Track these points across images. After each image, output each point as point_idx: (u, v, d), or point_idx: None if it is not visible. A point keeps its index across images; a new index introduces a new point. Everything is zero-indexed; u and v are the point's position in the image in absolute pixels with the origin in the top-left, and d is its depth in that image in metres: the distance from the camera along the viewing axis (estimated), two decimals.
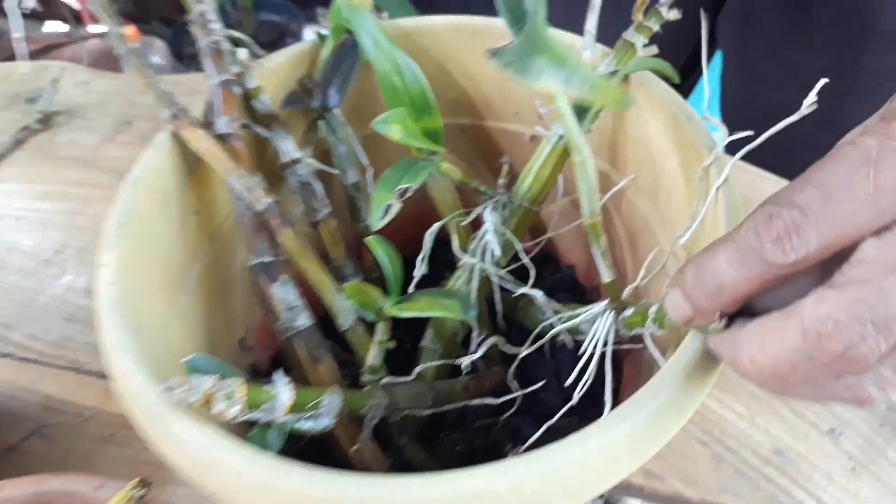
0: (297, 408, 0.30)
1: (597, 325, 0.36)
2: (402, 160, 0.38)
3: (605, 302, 0.37)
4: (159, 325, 0.36)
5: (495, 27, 0.45)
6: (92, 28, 1.39)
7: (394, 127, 0.32)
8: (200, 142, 0.38)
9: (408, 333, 0.48)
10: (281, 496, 0.26)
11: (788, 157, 0.56)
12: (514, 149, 0.49)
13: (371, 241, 0.32)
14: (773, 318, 0.24)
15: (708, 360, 0.29)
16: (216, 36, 0.40)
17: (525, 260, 0.42)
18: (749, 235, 0.24)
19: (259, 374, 0.48)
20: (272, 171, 0.46)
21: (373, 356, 0.34)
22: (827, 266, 0.24)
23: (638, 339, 0.47)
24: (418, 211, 0.45)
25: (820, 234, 0.23)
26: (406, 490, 0.26)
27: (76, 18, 1.36)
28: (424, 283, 0.42)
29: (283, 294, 0.38)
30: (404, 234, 0.49)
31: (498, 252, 0.42)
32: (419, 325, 0.45)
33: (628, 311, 0.35)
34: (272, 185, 0.46)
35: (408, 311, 0.31)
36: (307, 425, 0.31)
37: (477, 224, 0.44)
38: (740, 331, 0.26)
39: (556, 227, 0.49)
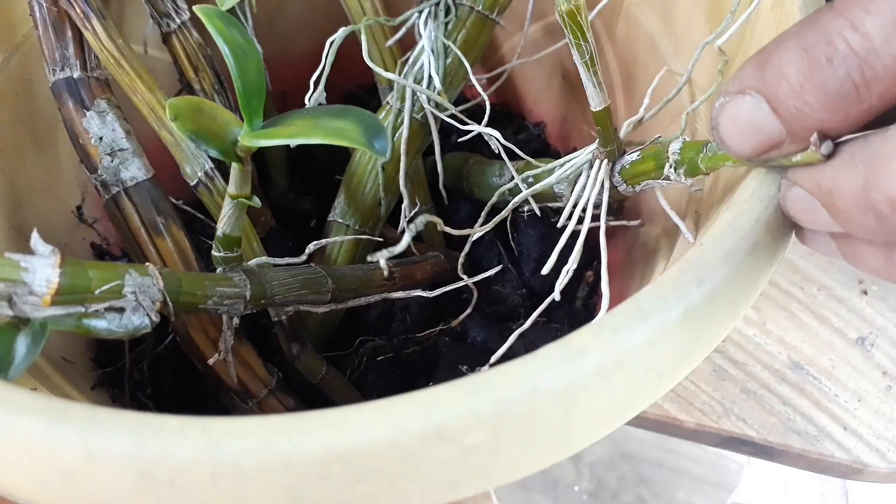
0: (70, 294, 0.17)
1: (583, 182, 0.24)
2: None
3: (593, 146, 0.24)
4: None
5: None
6: None
7: None
8: None
9: (318, 206, 0.36)
10: (20, 451, 0.14)
11: None
12: None
13: (204, 10, 0.19)
14: None
15: (779, 220, 0.17)
16: None
17: (483, 94, 0.28)
18: None
19: (108, 258, 0.35)
20: None
21: (225, 219, 0.21)
22: None
23: (622, 214, 0.35)
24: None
25: None
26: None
27: None
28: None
29: (103, 130, 0.25)
30: (308, 81, 0.35)
31: (438, 81, 0.28)
32: (331, 192, 0.32)
33: (631, 156, 0.23)
34: None
35: (271, 139, 0.18)
36: (101, 325, 0.18)
37: (408, 44, 0.31)
38: (875, 139, 0.14)
39: (523, 63, 0.36)
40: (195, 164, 0.25)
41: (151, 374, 0.30)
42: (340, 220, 0.31)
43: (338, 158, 0.32)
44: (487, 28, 0.29)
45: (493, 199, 0.28)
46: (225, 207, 0.21)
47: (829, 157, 0.14)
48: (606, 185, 0.23)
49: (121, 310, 0.19)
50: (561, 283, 0.23)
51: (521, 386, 0.14)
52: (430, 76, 0.28)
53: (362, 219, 0.31)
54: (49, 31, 0.25)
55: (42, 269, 0.17)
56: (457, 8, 0.28)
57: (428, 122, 0.30)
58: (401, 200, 0.31)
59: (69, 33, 0.25)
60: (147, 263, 0.20)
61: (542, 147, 0.38)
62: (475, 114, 0.32)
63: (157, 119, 0.24)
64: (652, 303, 0.15)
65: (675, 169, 0.20)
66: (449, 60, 0.28)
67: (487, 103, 0.27)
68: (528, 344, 0.32)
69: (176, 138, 0.24)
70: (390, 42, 0.30)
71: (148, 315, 0.19)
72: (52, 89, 0.25)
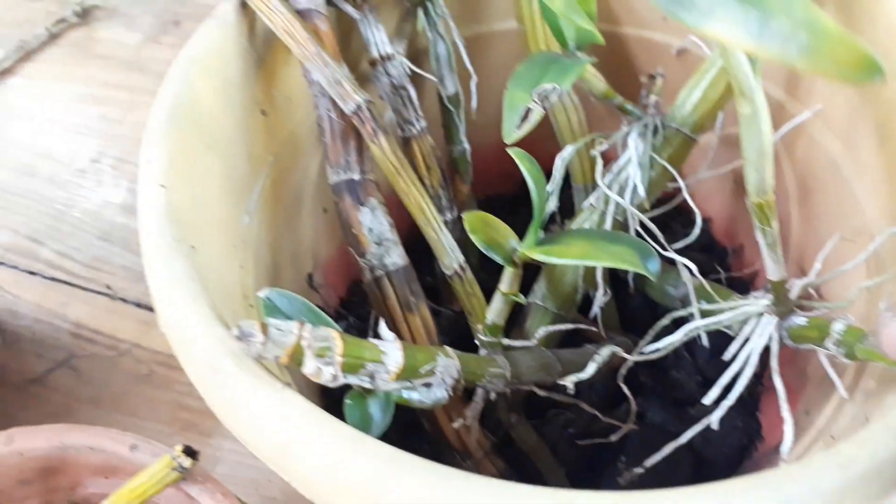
0: (406, 373, 0.22)
1: (750, 329, 0.27)
2: (537, 55, 0.29)
3: (766, 300, 0.27)
4: (216, 250, 0.27)
5: None
6: None
7: None
8: (275, 15, 0.30)
9: (489, 280, 0.40)
10: None
11: None
12: (656, 65, 0.40)
13: (516, 152, 0.23)
14: None
15: None
16: None
17: (690, 202, 0.32)
18: None
19: None
20: (355, 71, 0.37)
21: (495, 312, 0.26)
22: None
23: None
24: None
25: None
26: None
27: None
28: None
29: (373, 223, 0.30)
30: (494, 171, 0.40)
31: (642, 190, 0.32)
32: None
33: (798, 319, 0.26)
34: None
35: (558, 257, 0.23)
36: (415, 396, 0.23)
37: (608, 157, 0.35)
38: None
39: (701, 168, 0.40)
40: (451, 259, 0.30)
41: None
42: (540, 303, 0.35)
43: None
44: (689, 146, 0.33)
45: (667, 320, 0.32)
46: (495, 302, 0.26)
47: None
48: (775, 337, 0.26)
49: (429, 384, 0.23)
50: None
51: (801, 486, 0.18)
52: (634, 185, 0.32)
53: (560, 303, 0.35)
54: (337, 141, 0.30)
55: (392, 353, 0.22)
56: (664, 128, 0.33)
57: (626, 222, 0.34)
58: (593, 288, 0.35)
59: (352, 143, 0.30)
60: (445, 346, 0.24)
61: (707, 241, 0.42)
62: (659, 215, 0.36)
63: (424, 219, 0.29)
64: None
65: (837, 346, 0.23)
66: (653, 173, 0.33)
67: (699, 218, 0.31)
68: (704, 430, 0.35)
69: (438, 236, 0.29)
70: (594, 151, 0.35)
71: (447, 389, 0.23)
72: (333, 187, 0.31)
